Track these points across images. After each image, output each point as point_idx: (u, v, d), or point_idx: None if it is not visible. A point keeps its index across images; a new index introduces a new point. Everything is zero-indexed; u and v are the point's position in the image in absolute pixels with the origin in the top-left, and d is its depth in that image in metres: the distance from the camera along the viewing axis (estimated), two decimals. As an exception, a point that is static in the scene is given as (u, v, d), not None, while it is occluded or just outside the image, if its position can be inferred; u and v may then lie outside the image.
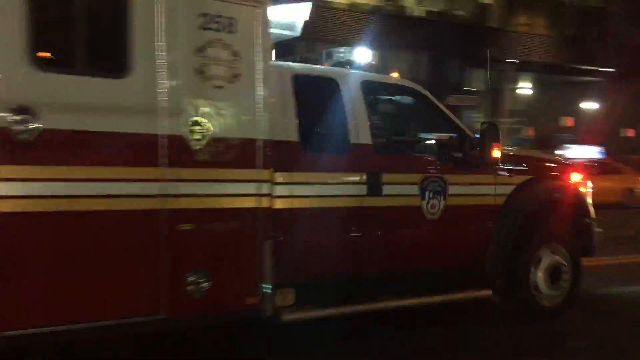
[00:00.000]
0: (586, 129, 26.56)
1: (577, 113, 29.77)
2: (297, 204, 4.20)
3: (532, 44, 27.43)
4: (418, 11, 26.82)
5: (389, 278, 4.68)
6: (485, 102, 29.07)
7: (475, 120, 28.56)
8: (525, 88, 29.88)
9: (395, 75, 5.73)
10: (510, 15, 28.47)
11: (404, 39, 25.19)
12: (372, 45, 23.17)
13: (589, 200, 5.84)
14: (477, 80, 28.39)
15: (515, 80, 28.29)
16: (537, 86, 29.84)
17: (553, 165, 6.08)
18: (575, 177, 5.87)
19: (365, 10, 25.43)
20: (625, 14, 28.74)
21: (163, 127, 3.54)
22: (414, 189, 4.78)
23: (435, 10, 27.68)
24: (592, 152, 21.53)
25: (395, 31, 25.18)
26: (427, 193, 4.81)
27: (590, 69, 29.00)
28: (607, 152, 23.66)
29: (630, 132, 31.00)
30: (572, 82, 29.73)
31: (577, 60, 27.99)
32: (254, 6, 3.83)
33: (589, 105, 30.21)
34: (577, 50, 27.75)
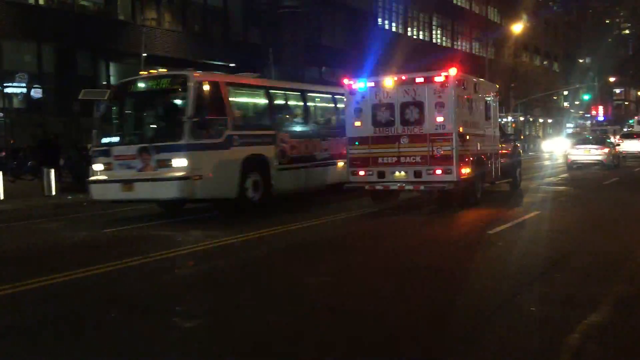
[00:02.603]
0: None
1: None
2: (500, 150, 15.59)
3: (161, 39, 27.50)
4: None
5: (501, 176, 15.48)
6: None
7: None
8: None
9: None
10: (139, 9, 28.40)
11: (25, 28, 24.00)
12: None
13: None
14: (112, 73, 28.22)
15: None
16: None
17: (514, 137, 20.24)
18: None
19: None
20: (242, 14, 32.02)
21: (489, 130, 14.70)
22: (503, 147, 15.97)
23: (56, -1, 26.00)
24: None
25: (15, 20, 23.84)
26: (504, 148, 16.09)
27: (216, 64, 29.52)
28: None
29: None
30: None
31: (204, 56, 28.85)
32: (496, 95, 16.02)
33: None
34: (204, 45, 29.19)
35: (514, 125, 59.35)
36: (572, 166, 26.53)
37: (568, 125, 70.47)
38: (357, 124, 13.13)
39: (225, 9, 32.53)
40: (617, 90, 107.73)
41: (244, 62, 31.83)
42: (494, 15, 60.06)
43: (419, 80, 12.57)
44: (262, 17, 34.24)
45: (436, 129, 12.29)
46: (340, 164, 15.14)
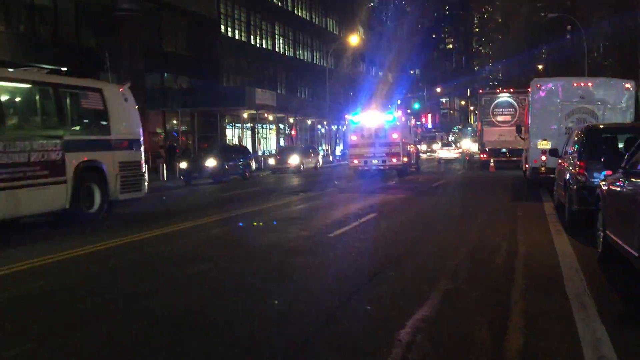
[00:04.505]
0: None
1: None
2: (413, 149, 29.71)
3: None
4: None
5: (415, 163, 29.15)
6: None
7: None
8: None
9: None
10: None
11: None
12: None
13: None
14: None
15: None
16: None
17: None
18: None
19: None
20: (75, 15, 30.75)
21: (411, 139, 28.25)
22: (413, 147, 29.23)
23: None
24: None
25: None
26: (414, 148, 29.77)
27: (44, 67, 28.93)
28: None
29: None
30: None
31: (31, 58, 26.71)
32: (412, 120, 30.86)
33: None
34: (31, 47, 27.49)
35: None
36: (440, 162, 40.03)
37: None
38: (354, 138, 25.89)
39: (55, 9, 30.37)
40: (443, 100, 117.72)
41: (77, 66, 30.04)
42: (332, 26, 62.58)
43: (384, 117, 25.90)
44: (97, 20, 32.50)
45: (392, 140, 24.93)
46: None
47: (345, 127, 27.20)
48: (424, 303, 5.83)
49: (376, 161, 24.89)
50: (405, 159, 25.32)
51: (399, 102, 72.24)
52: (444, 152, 42.81)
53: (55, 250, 9.16)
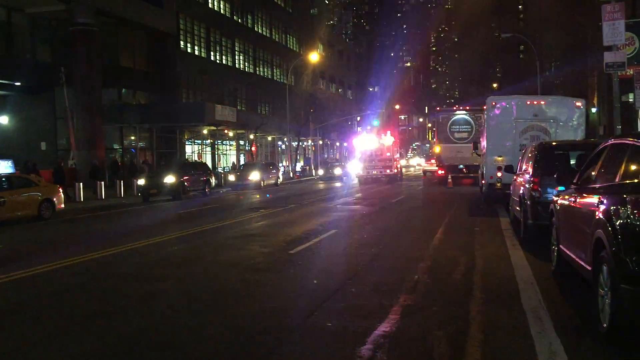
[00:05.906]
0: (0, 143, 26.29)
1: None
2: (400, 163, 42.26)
3: None
4: None
5: (401, 172, 41.49)
6: None
7: None
8: None
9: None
10: None
11: None
12: None
13: None
14: None
15: None
16: None
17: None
18: None
19: None
20: (30, 30, 30.33)
21: (397, 156, 40.75)
22: (397, 162, 39.46)
23: None
24: (1, 166, 18.74)
25: None
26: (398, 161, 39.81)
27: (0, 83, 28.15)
28: (18, 166, 21.69)
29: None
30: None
31: None
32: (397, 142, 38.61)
33: (3, 119, 29.89)
34: None
35: (313, 148, 62.61)
36: (427, 173, 42.49)
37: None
38: (359, 155, 35.03)
39: (9, 24, 29.69)
40: (402, 117, 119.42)
41: (32, 82, 29.33)
42: (292, 43, 62.91)
43: (381, 141, 35.22)
44: (53, 34, 31.89)
45: (386, 156, 34.43)
46: None
47: (357, 147, 36.97)
48: (384, 318, 5.85)
49: (375, 172, 33.79)
50: (395, 170, 34.82)
51: (358, 118, 73.11)
52: (428, 167, 50.27)
53: None
